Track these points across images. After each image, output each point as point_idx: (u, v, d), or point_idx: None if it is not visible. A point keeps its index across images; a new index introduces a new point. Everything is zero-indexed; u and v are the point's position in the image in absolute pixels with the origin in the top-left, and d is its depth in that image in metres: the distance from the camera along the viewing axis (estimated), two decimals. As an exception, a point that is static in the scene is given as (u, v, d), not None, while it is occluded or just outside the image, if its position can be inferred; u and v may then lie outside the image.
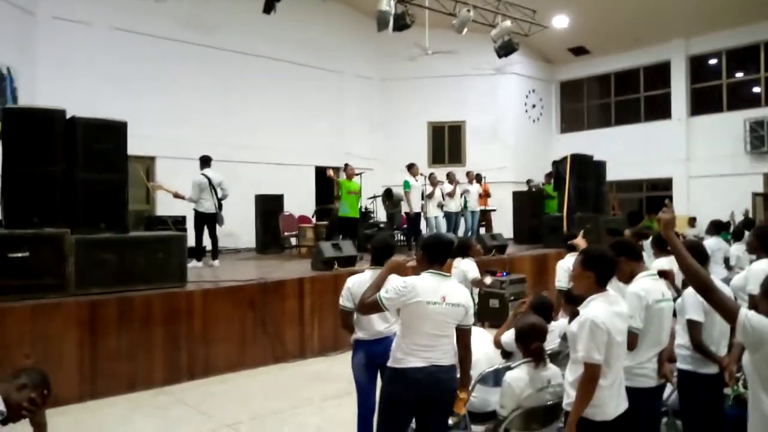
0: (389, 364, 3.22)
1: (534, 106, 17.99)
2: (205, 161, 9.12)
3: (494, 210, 14.01)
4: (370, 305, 3.22)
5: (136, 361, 5.91)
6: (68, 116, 6.18)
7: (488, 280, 6.69)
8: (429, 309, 3.09)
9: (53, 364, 5.29)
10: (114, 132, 6.39)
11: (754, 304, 3.04)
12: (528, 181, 14.67)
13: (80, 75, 10.92)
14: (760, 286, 2.44)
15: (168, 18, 12.16)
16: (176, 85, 12.23)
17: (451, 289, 3.20)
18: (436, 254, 3.27)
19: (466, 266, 6.18)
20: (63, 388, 5.28)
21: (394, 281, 3.22)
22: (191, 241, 8.71)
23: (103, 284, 5.94)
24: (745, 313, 2.24)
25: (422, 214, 11.68)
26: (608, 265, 2.95)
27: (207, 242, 9.10)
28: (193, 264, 8.48)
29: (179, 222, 9.47)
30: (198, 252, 8.91)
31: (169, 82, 12.14)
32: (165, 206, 10.49)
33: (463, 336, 3.27)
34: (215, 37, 12.81)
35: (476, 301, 6.35)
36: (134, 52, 11.71)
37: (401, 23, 10.94)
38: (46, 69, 10.61)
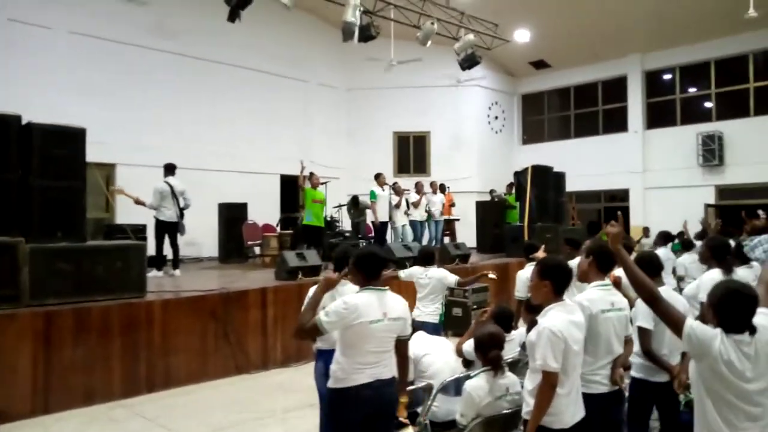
0: (330, 385, 3.15)
1: (497, 117, 18.31)
2: (169, 169, 8.99)
3: (458, 219, 14.18)
4: (311, 330, 3.08)
5: (93, 374, 5.77)
6: (24, 122, 6.04)
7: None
8: (372, 328, 3.05)
9: (5, 377, 5.15)
10: (72, 138, 6.27)
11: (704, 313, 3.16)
12: (491, 191, 14.91)
13: (38, 79, 10.64)
14: (706, 297, 2.50)
15: (131, 24, 11.97)
16: (138, 92, 12.02)
17: (391, 304, 3.17)
18: (372, 269, 3.20)
19: (441, 273, 6.11)
20: (15, 403, 5.14)
21: (336, 302, 3.11)
22: (151, 250, 8.57)
23: (59, 295, 5.79)
24: (690, 324, 2.32)
25: (389, 223, 11.76)
26: (564, 274, 3.02)
27: (168, 251, 8.96)
28: (153, 273, 8.33)
29: (139, 230, 9.28)
30: (158, 261, 8.76)
31: (130, 88, 11.93)
32: (125, 214, 10.28)
33: (401, 346, 3.29)
34: (179, 43, 12.66)
35: (444, 310, 6.32)
36: (95, 57, 11.47)
37: (366, 34, 11.01)
38: (1, 73, 10.31)
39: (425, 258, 6.30)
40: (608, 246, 3.67)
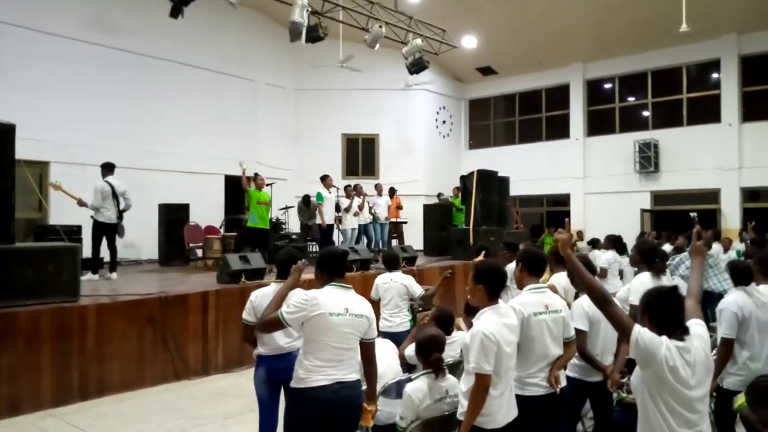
0: (292, 384, 3.14)
1: (444, 122, 18.55)
2: (108, 168, 8.63)
3: (405, 222, 14.26)
4: (270, 323, 3.18)
5: (20, 383, 5.49)
6: (-53, 116, 5.72)
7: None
8: (332, 321, 3.06)
9: None
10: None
11: (634, 314, 3.26)
12: (439, 195, 15.09)
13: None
14: (639, 303, 2.56)
15: (68, 16, 11.48)
16: (75, 87, 11.53)
17: (354, 301, 3.21)
18: (335, 268, 3.28)
19: (408, 280, 5.92)
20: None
21: (296, 295, 3.15)
22: (87, 252, 8.24)
23: (-17, 299, 5.49)
24: (639, 330, 2.35)
25: (336, 226, 11.71)
26: (497, 278, 3.08)
27: (105, 253, 8.62)
28: (88, 277, 8.02)
29: (74, 232, 8.90)
30: (94, 264, 8.41)
31: (66, 83, 11.42)
32: (59, 215, 9.85)
33: (367, 349, 3.27)
34: (120, 38, 12.23)
35: (412, 316, 6.10)
36: (28, 49, 10.93)
37: (314, 35, 10.90)
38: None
39: (390, 262, 6.13)
40: (533, 250, 3.76)
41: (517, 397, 3.13)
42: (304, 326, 3.08)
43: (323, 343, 3.07)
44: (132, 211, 8.80)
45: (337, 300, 3.12)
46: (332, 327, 3.06)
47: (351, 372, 3.16)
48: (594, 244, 10.61)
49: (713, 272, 3.62)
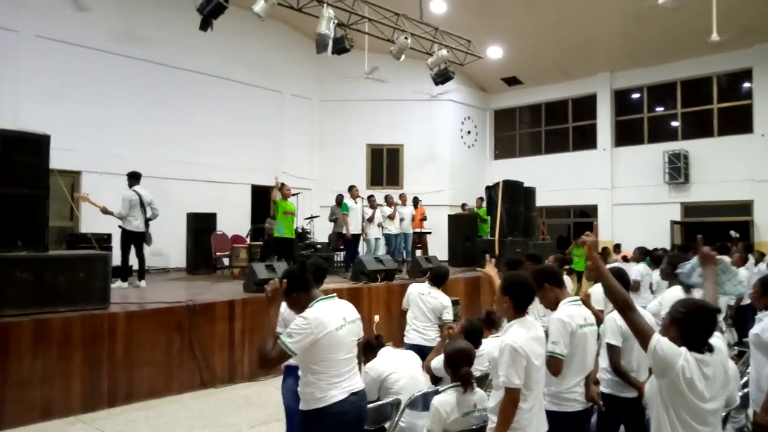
0: (307, 407, 3.04)
1: (469, 132, 18.49)
2: (135, 177, 8.79)
3: (430, 232, 14.22)
4: (278, 357, 2.93)
5: (52, 388, 5.58)
6: (-14, 127, 5.88)
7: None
8: (339, 335, 3.03)
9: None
10: (35, 145, 6.12)
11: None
12: (463, 205, 15.07)
13: (2, 84, 10.39)
14: (669, 311, 2.53)
15: (99, 29, 11.77)
16: (106, 98, 11.80)
17: (344, 308, 3.20)
18: (306, 282, 3.15)
19: (447, 301, 5.56)
20: (-33, 418, 4.93)
21: (295, 321, 3.02)
22: (117, 261, 8.37)
23: (18, 306, 5.61)
24: (657, 338, 2.33)
25: (362, 236, 11.74)
26: (523, 292, 3.05)
27: (134, 262, 8.76)
28: (117, 285, 8.13)
29: (104, 240, 9.07)
30: (123, 272, 8.54)
31: (98, 94, 11.70)
32: (90, 223, 10.06)
33: (357, 349, 3.29)
34: (148, 50, 12.49)
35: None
36: (61, 61, 11.24)
37: (340, 47, 11.00)
38: (-37, 76, 10.04)
39: (437, 278, 5.79)
40: (544, 267, 3.73)
41: (554, 413, 3.08)
42: (308, 349, 2.95)
43: (334, 360, 3.02)
44: (160, 220, 8.94)
45: (333, 312, 3.07)
46: (340, 341, 3.03)
47: (358, 380, 3.18)
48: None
49: (726, 277, 3.52)
